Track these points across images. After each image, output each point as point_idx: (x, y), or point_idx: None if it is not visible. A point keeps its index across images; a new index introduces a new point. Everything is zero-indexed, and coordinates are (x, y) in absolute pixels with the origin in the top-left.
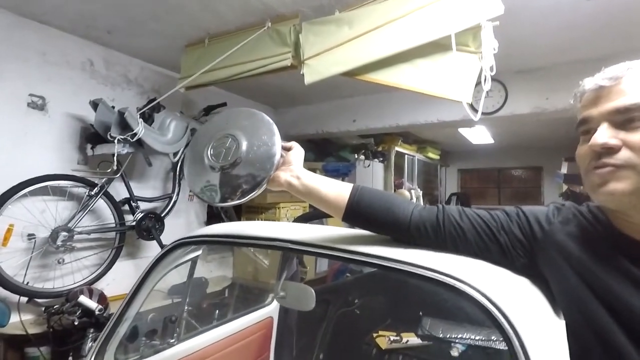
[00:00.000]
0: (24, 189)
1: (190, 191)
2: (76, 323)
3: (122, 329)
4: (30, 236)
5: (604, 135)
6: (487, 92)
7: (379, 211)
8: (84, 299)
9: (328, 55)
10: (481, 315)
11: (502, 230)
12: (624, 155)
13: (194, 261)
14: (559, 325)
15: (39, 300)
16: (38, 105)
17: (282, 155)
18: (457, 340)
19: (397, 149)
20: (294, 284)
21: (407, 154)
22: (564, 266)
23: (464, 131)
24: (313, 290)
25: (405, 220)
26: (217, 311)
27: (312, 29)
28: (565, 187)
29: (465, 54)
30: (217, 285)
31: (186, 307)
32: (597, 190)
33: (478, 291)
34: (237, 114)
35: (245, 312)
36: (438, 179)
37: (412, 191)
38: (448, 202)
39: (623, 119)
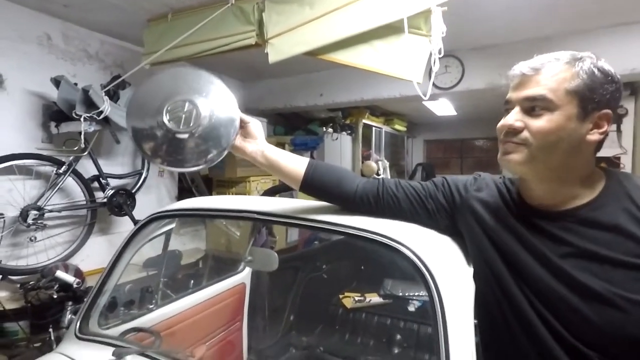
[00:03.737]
0: None
1: (159, 167)
2: (55, 297)
3: (103, 300)
4: (0, 215)
5: (513, 117)
6: (446, 67)
7: (329, 184)
8: (61, 274)
9: (291, 34)
10: (408, 266)
11: (430, 197)
12: (524, 135)
13: (168, 234)
14: (468, 271)
15: (14, 278)
16: None
17: (240, 126)
18: (414, 297)
19: (364, 121)
20: (259, 249)
21: (375, 126)
22: (475, 226)
23: (428, 104)
24: (276, 254)
25: (351, 192)
26: (191, 281)
27: (276, 8)
28: None
29: (417, 37)
30: (191, 257)
31: (162, 280)
32: (501, 158)
33: (406, 247)
34: (184, 75)
35: (219, 279)
36: (405, 150)
37: (380, 162)
38: (414, 172)
39: (529, 105)
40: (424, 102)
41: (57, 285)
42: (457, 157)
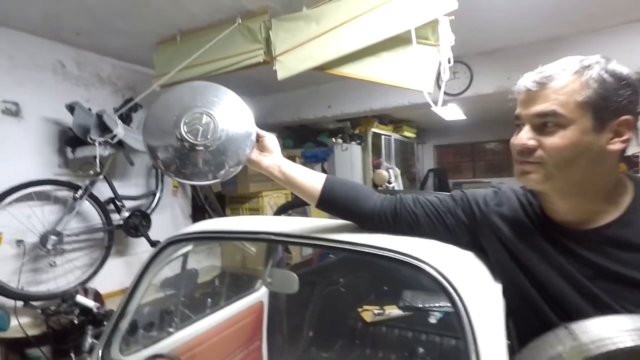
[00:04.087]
0: (7, 197)
1: (174, 186)
2: (76, 322)
3: (124, 326)
4: (19, 242)
5: (525, 136)
6: (454, 73)
7: (347, 201)
8: (81, 298)
9: (299, 51)
10: (433, 284)
11: (449, 213)
12: (539, 154)
13: (185, 256)
14: (496, 288)
15: (35, 303)
16: (12, 111)
17: (257, 140)
18: (435, 309)
19: (373, 130)
20: (279, 270)
21: (384, 134)
22: (497, 243)
23: (437, 109)
24: (296, 275)
25: (369, 210)
26: (209, 300)
27: (282, 25)
28: None
29: (426, 47)
30: (207, 275)
31: (180, 299)
32: (519, 178)
33: (430, 266)
34: (202, 88)
35: (236, 298)
36: (415, 157)
37: (390, 170)
38: (426, 178)
39: (540, 122)
40: (432, 108)
41: (77, 310)
42: (468, 161)
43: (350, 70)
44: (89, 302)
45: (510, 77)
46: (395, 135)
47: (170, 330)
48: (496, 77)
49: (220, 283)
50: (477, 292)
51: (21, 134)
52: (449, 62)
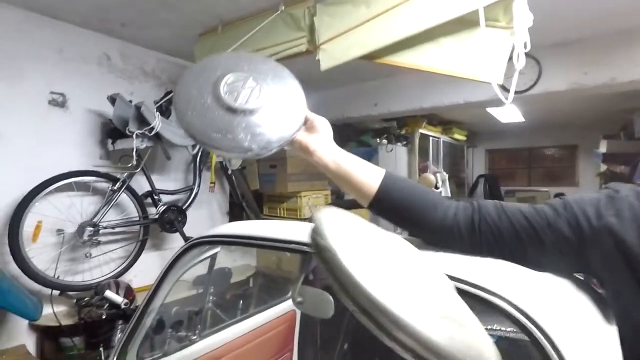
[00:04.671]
0: (49, 186)
1: (211, 182)
2: (104, 317)
3: (145, 326)
4: (59, 231)
5: None
6: (520, 69)
7: (409, 206)
8: (109, 294)
9: (345, 38)
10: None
11: (548, 228)
12: None
13: (212, 258)
14: (609, 332)
15: (71, 293)
16: (59, 102)
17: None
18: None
19: (421, 131)
20: (312, 289)
21: (432, 136)
22: (618, 269)
23: (492, 110)
24: (331, 297)
25: (437, 221)
26: (241, 302)
27: (327, 10)
28: (604, 167)
29: (495, 30)
30: (241, 275)
31: (210, 298)
32: None
33: (515, 307)
34: (251, 57)
35: (268, 305)
36: (465, 161)
37: (438, 174)
38: (475, 185)
39: None
40: (487, 109)
41: (107, 304)
42: (524, 167)
43: (402, 59)
44: (117, 298)
45: (588, 73)
46: (444, 138)
47: (195, 336)
48: (570, 72)
49: (254, 285)
50: (581, 340)
51: (66, 125)
52: (525, 48)
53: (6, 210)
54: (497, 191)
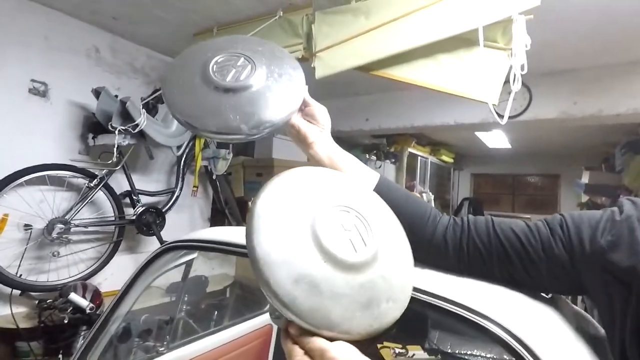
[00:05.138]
0: (20, 177)
1: (194, 186)
2: (66, 321)
3: (109, 334)
4: (27, 227)
5: None
6: (508, 93)
7: (399, 217)
8: (74, 297)
9: (342, 47)
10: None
11: (541, 249)
12: None
13: (188, 264)
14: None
15: (33, 294)
16: (40, 91)
17: (301, 108)
18: (466, 357)
19: (410, 150)
20: None
21: (420, 156)
22: (616, 300)
23: (480, 134)
24: None
25: (425, 237)
26: (216, 312)
27: (326, 19)
28: (585, 198)
29: (493, 51)
30: (218, 284)
31: (184, 307)
32: None
33: (507, 331)
34: (249, 39)
35: (243, 318)
36: (451, 183)
37: (424, 194)
38: (460, 207)
39: None
40: (476, 133)
41: (71, 308)
42: (508, 193)
43: (398, 72)
44: (82, 302)
45: (577, 102)
46: (432, 158)
47: (163, 347)
48: (560, 100)
49: (231, 295)
50: None
51: (46, 116)
52: (522, 70)
53: None
54: (481, 215)
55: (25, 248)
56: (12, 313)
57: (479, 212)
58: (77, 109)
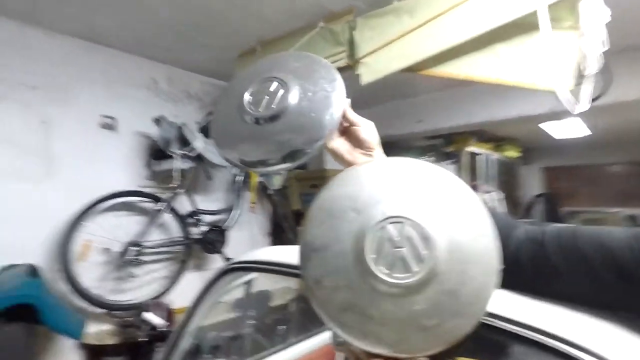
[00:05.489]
0: (96, 206)
1: (252, 202)
2: (140, 339)
3: (181, 351)
4: (106, 250)
5: None
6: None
7: None
8: (147, 315)
9: (386, 50)
10: None
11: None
12: None
13: (249, 283)
14: None
15: (115, 312)
16: (109, 125)
17: (343, 129)
18: None
19: (469, 149)
20: None
21: (482, 154)
22: None
23: (545, 125)
24: None
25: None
26: (280, 327)
27: (368, 22)
28: None
29: (560, 32)
30: (281, 298)
31: (249, 323)
32: None
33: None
34: (286, 57)
35: (307, 335)
36: (519, 179)
37: (490, 194)
38: (531, 205)
39: None
40: (541, 124)
41: (146, 326)
42: (586, 186)
43: (451, 69)
44: (155, 319)
45: None
46: (495, 155)
47: None
48: None
49: (294, 309)
50: None
51: (115, 147)
52: (604, 46)
53: (59, 228)
54: (557, 212)
55: (106, 270)
56: (98, 331)
57: (555, 208)
58: (141, 138)
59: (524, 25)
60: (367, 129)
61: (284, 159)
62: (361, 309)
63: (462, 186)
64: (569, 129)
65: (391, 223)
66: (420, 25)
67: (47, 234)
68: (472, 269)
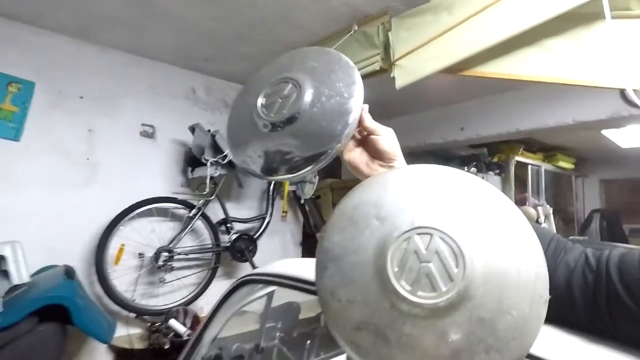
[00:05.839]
0: (133, 211)
1: (283, 211)
2: (166, 347)
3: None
4: (140, 255)
5: None
6: None
7: None
8: (173, 323)
9: (423, 50)
10: None
11: None
12: None
13: (269, 296)
14: None
15: (145, 317)
16: (149, 133)
17: (361, 137)
18: None
19: (517, 158)
20: None
21: (531, 164)
22: None
23: (609, 132)
24: None
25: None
26: (308, 342)
27: (404, 23)
28: None
29: (626, 21)
30: (311, 311)
31: (276, 334)
32: None
33: None
34: (305, 53)
35: (338, 351)
36: (573, 193)
37: (540, 208)
38: (588, 221)
39: None
40: (603, 132)
41: (172, 333)
42: None
43: (495, 68)
44: (180, 328)
45: None
46: (546, 166)
47: None
48: None
49: (324, 324)
50: None
51: (154, 154)
52: None
53: (97, 232)
54: (619, 230)
55: (139, 275)
56: (128, 334)
57: (615, 226)
58: (178, 146)
59: (580, 17)
60: (387, 138)
61: (289, 171)
62: (377, 329)
63: (503, 200)
64: (636, 137)
65: (418, 234)
66: (460, 22)
67: (86, 238)
68: (513, 295)
